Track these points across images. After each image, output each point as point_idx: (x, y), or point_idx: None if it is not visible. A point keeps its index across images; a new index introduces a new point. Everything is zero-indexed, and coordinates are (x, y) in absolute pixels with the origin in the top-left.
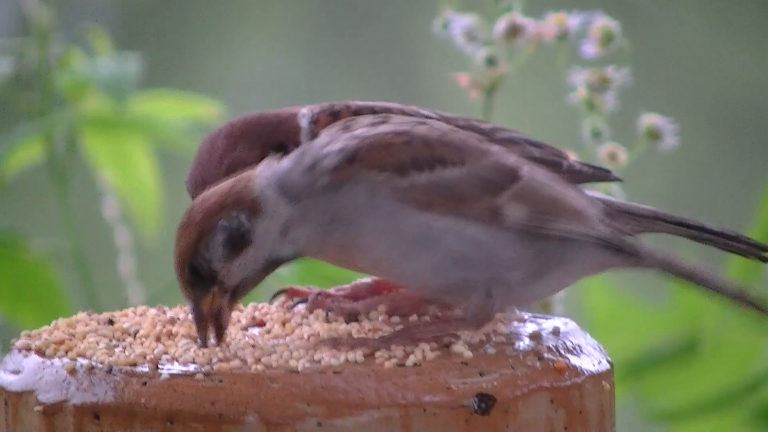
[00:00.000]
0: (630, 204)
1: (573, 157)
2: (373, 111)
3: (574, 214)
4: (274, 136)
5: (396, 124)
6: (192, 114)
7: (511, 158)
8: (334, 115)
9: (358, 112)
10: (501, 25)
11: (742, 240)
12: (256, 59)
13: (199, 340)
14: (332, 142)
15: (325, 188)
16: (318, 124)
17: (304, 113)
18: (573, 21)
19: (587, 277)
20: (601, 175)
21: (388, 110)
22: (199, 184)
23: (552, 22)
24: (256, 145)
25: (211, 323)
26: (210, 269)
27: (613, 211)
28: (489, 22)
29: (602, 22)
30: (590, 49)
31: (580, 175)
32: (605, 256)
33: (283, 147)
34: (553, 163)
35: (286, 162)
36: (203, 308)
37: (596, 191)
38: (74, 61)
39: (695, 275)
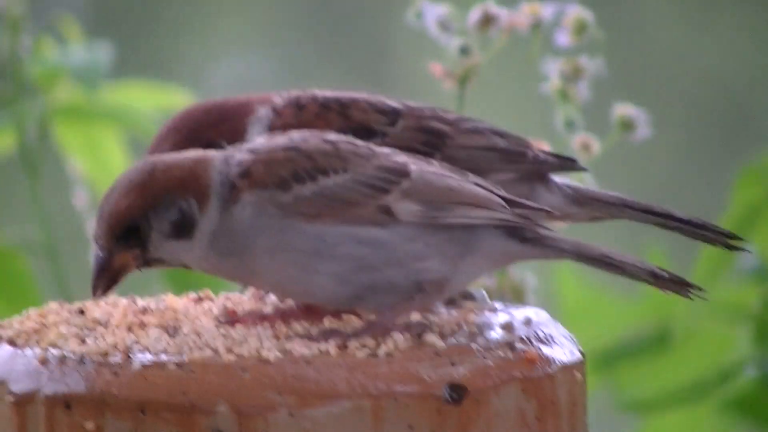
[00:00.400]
0: (597, 191)
1: (544, 146)
2: (339, 102)
3: (473, 201)
4: (208, 134)
5: (288, 138)
6: (164, 103)
7: (400, 158)
8: (300, 108)
9: (325, 104)
10: (474, 14)
11: (710, 228)
12: (230, 50)
13: (91, 287)
14: (239, 151)
15: (225, 204)
16: (282, 116)
17: (261, 115)
18: (546, 10)
19: (502, 266)
20: (567, 165)
21: (355, 100)
22: None
23: (525, 12)
24: (184, 142)
25: (108, 276)
26: (147, 236)
27: (579, 197)
28: (462, 11)
29: (576, 11)
30: (563, 38)
31: (545, 165)
32: (512, 243)
33: (214, 145)
34: (518, 152)
35: (220, 156)
36: (114, 261)
37: (567, 179)
38: (46, 49)
39: (607, 260)
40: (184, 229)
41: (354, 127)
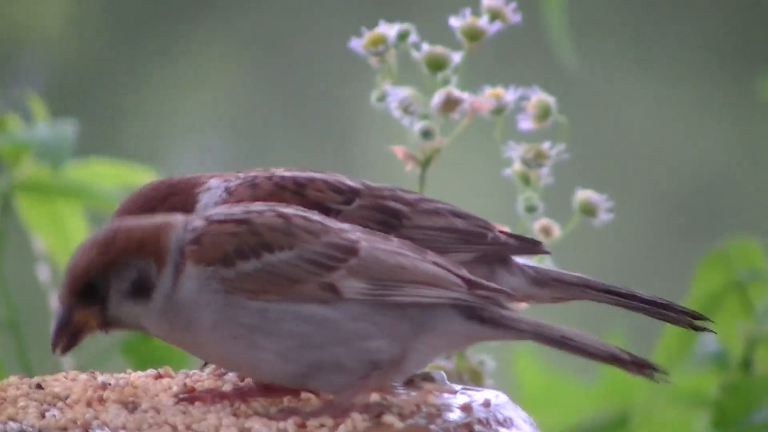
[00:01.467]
0: (559, 271)
1: (504, 229)
2: (295, 181)
3: (426, 280)
4: (158, 210)
5: (244, 208)
6: (127, 181)
7: (352, 235)
8: (253, 188)
9: (280, 183)
10: (438, 98)
11: (674, 308)
12: (191, 129)
13: (51, 344)
14: (196, 218)
15: (176, 272)
16: (234, 195)
17: (212, 185)
18: (510, 95)
19: (460, 347)
20: (529, 247)
21: (312, 180)
22: None
23: (489, 96)
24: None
25: (68, 335)
26: (105, 294)
27: (540, 278)
28: (426, 94)
29: (539, 96)
30: (527, 123)
31: (506, 247)
32: (469, 324)
33: None
34: (478, 234)
35: (182, 222)
36: (74, 319)
37: (528, 260)
38: (11, 125)
39: (567, 341)
40: (142, 289)
41: (309, 206)
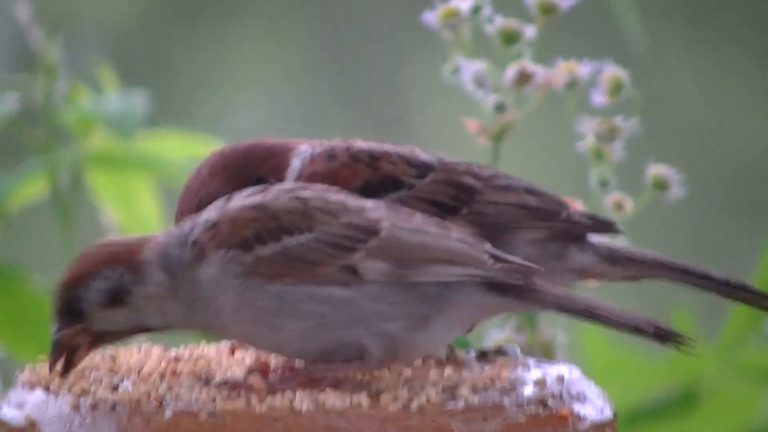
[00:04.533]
0: (633, 250)
1: (578, 205)
2: (371, 154)
3: (449, 257)
4: (256, 171)
5: (261, 195)
6: (194, 152)
7: (374, 214)
8: (329, 158)
9: (356, 155)
10: (511, 71)
11: (748, 289)
12: (256, 102)
13: (48, 367)
14: (208, 211)
15: (191, 263)
16: (313, 164)
17: (302, 151)
18: (583, 69)
19: (480, 320)
20: (601, 227)
21: (387, 153)
22: (177, 214)
23: (562, 70)
24: (235, 179)
25: (64, 356)
26: (79, 308)
27: (612, 256)
28: (499, 68)
29: (612, 71)
30: (599, 97)
31: (578, 226)
32: (490, 297)
33: (263, 181)
34: (551, 211)
35: (174, 230)
36: (64, 338)
37: (600, 237)
38: (80, 96)
39: (593, 312)
40: (115, 296)
41: (381, 178)
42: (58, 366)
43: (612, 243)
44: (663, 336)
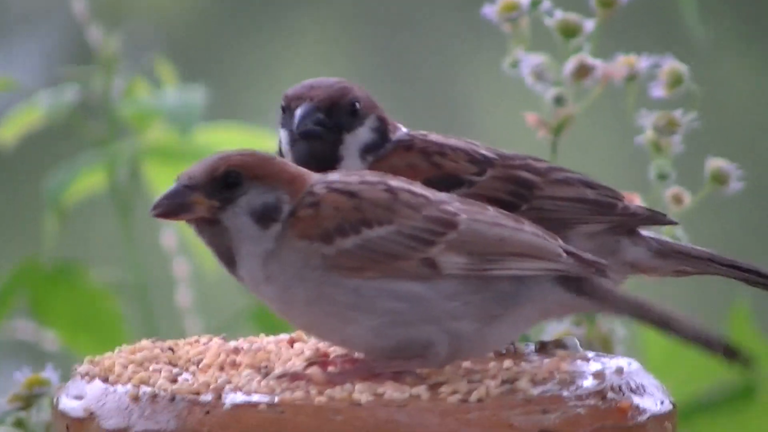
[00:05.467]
0: (684, 245)
1: (636, 199)
2: (440, 151)
3: (526, 251)
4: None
5: (358, 178)
6: (252, 145)
7: (451, 207)
8: (408, 149)
9: (425, 149)
10: (570, 65)
11: None
12: None
13: (154, 203)
14: (323, 181)
15: (278, 239)
16: (393, 153)
17: (401, 134)
18: (642, 63)
19: (550, 319)
20: (656, 218)
21: (455, 149)
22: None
23: (621, 64)
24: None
25: (176, 204)
26: (235, 198)
27: (664, 251)
28: (558, 62)
29: (671, 64)
30: (658, 91)
31: (635, 217)
32: (565, 295)
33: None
34: (608, 204)
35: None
36: (191, 194)
37: (654, 232)
38: (139, 90)
39: (667, 322)
40: (266, 216)
41: (443, 175)
42: (160, 210)
43: (663, 237)
44: (731, 356)
